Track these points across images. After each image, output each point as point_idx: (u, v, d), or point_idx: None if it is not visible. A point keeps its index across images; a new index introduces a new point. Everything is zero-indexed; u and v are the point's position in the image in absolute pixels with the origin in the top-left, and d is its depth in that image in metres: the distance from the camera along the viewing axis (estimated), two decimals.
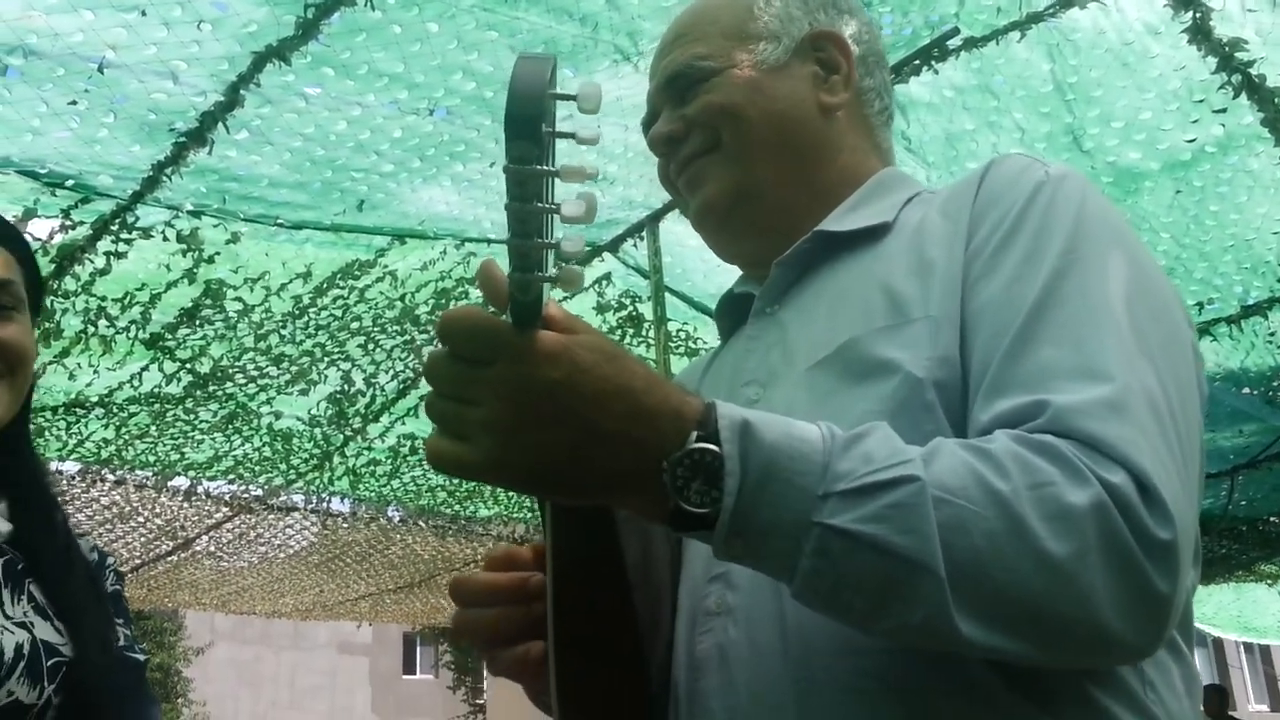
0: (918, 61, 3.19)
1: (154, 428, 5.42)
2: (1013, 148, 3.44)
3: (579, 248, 0.70)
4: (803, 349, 1.04)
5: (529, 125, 0.66)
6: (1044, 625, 0.78)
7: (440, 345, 0.78)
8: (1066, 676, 0.85)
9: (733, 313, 1.22)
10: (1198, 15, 2.86)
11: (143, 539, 7.11)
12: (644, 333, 4.86)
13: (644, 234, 4.13)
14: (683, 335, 4.85)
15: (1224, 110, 3.14)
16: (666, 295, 4.36)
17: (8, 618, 1.41)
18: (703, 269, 4.46)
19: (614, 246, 4.30)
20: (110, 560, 1.67)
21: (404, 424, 5.57)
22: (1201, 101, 3.15)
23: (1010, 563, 0.77)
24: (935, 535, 0.77)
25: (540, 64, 0.67)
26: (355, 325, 4.62)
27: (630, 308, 4.77)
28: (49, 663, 1.40)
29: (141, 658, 1.59)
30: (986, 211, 0.98)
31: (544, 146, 0.67)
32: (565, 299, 4.22)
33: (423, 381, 5.20)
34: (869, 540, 0.77)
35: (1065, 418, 0.82)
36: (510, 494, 6.55)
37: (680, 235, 4.17)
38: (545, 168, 0.67)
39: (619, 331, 4.89)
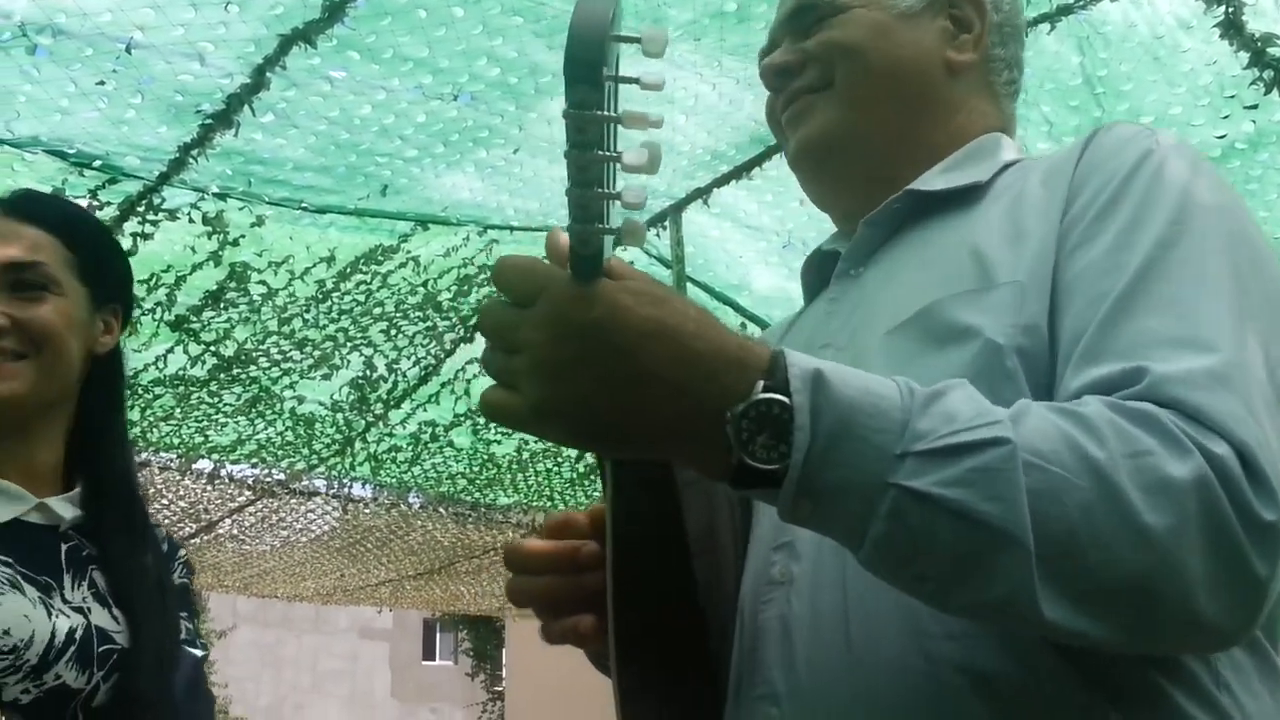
0: None
1: (178, 410, 5.45)
2: (1040, 141, 3.41)
3: (641, 199, 0.67)
4: (884, 312, 0.98)
5: (589, 68, 0.62)
6: (1133, 605, 0.73)
7: (495, 291, 0.76)
8: (1136, 667, 0.80)
9: (820, 271, 1.16)
10: (1230, 10, 2.82)
11: (166, 521, 7.16)
12: None
13: (667, 224, 4.12)
14: None
15: (1255, 106, 3.09)
16: (689, 286, 4.36)
17: (66, 602, 1.43)
18: (725, 260, 4.45)
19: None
20: (182, 552, 1.69)
21: (425, 411, 5.59)
22: (1233, 97, 3.11)
23: (1105, 536, 0.71)
24: (1025, 504, 0.71)
25: (602, 3, 0.64)
26: (378, 311, 4.64)
27: None
28: (100, 649, 1.42)
29: (200, 653, 1.60)
30: (1088, 179, 0.93)
31: (604, 91, 0.63)
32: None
33: (444, 369, 5.22)
34: (951, 505, 0.71)
35: (1165, 386, 0.77)
36: (529, 482, 6.57)
37: (703, 225, 4.16)
38: (606, 113, 0.64)
39: None
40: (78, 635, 1.40)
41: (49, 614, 1.39)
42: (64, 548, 1.48)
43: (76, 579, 1.46)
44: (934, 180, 1.06)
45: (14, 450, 1.49)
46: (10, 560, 1.41)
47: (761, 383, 0.73)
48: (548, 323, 0.73)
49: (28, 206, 1.54)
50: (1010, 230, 0.94)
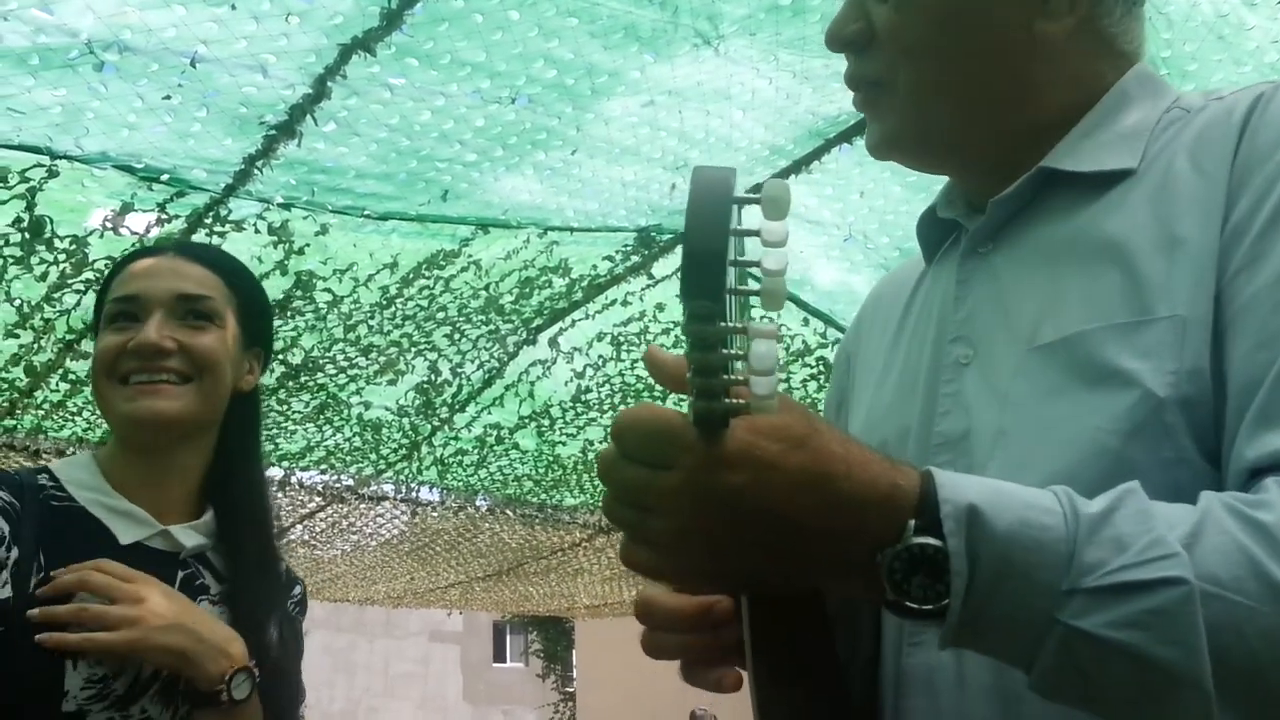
0: None
1: None
2: None
3: (770, 389, 0.65)
4: (1022, 316, 0.91)
5: (712, 278, 0.61)
6: None
7: (614, 445, 0.73)
8: None
9: (938, 233, 1.08)
10: None
11: None
12: None
13: None
14: (799, 340, 4.81)
15: None
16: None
17: None
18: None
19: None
20: (298, 590, 1.73)
21: (490, 414, 5.63)
22: None
23: None
24: (1204, 646, 0.68)
25: (722, 182, 0.62)
26: (441, 315, 4.68)
27: None
28: (183, 686, 1.44)
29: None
30: (1251, 173, 0.82)
31: (724, 299, 0.62)
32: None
33: (507, 371, 5.25)
34: (1124, 648, 0.69)
35: None
36: (596, 483, 6.58)
37: (794, 238, 4.14)
38: (729, 325, 0.63)
39: None
40: (164, 671, 1.43)
41: None
42: (180, 575, 1.53)
43: None
44: (1073, 155, 0.94)
45: (153, 473, 1.55)
46: None
47: (913, 523, 0.71)
48: (689, 492, 0.70)
49: (196, 249, 1.66)
50: (1161, 232, 0.85)
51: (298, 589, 1.72)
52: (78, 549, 1.44)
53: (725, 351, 0.64)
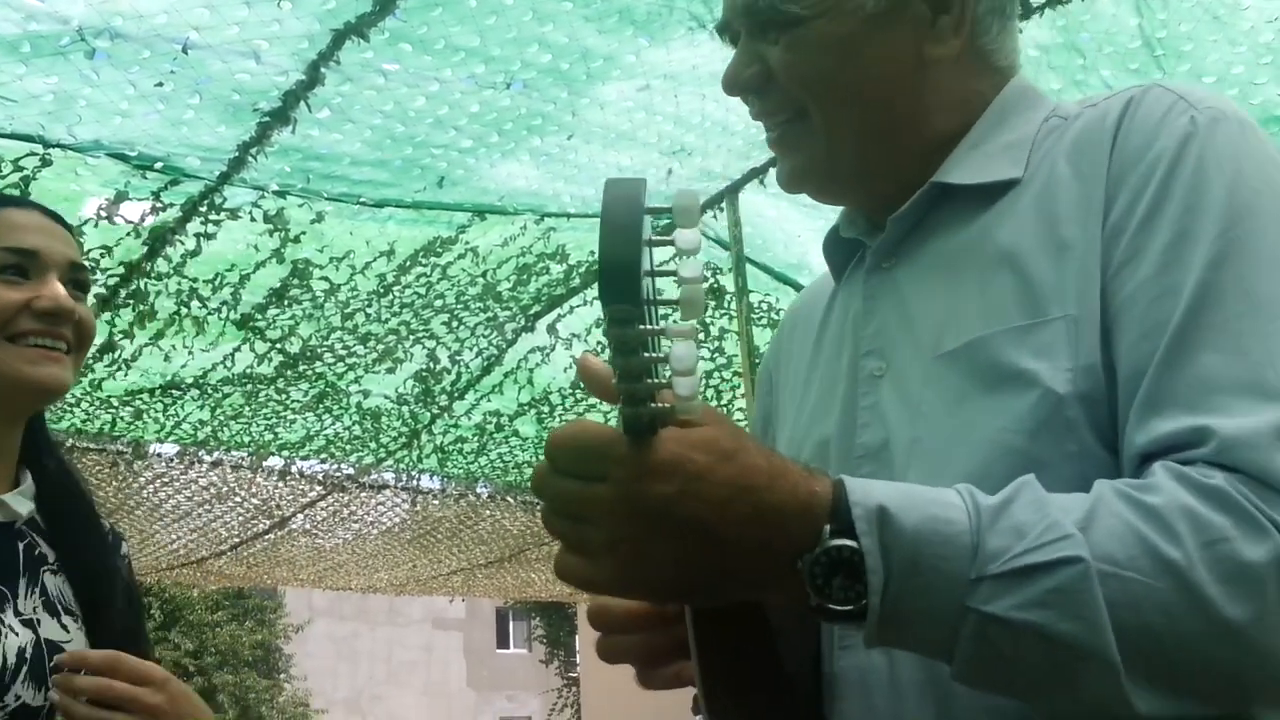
0: None
1: (248, 408, 5.54)
2: None
3: (692, 390, 0.67)
4: (925, 327, 0.95)
5: (627, 282, 0.62)
6: (1225, 690, 0.75)
7: (548, 461, 0.74)
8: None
9: (843, 253, 1.11)
10: None
11: (240, 518, 7.28)
12: (726, 305, 4.84)
13: (723, 205, 4.10)
14: (765, 306, 4.81)
15: None
16: (748, 266, 4.33)
17: (18, 614, 1.40)
18: (783, 239, 4.42)
19: None
20: (125, 547, 1.65)
21: (489, 401, 5.63)
22: None
23: (1189, 636, 0.72)
24: (1106, 620, 0.72)
25: (631, 192, 0.64)
26: (439, 303, 4.67)
27: (711, 280, 4.75)
28: (52, 663, 1.39)
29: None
30: (1125, 173, 0.86)
31: (645, 303, 0.64)
32: None
33: (506, 358, 5.25)
34: (1031, 628, 0.72)
35: (1233, 450, 0.75)
36: None
37: (760, 206, 4.14)
38: (650, 327, 0.65)
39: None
40: (28, 654, 1.38)
41: (0, 634, 1.37)
42: (20, 546, 1.46)
43: (30, 585, 1.44)
44: (961, 168, 0.98)
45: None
46: None
47: (828, 527, 0.74)
48: (622, 502, 0.72)
49: (59, 216, 1.57)
50: (1048, 236, 0.89)
51: (124, 546, 1.65)
52: None
53: (647, 355, 0.66)
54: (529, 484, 5.84)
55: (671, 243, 0.65)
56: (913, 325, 0.97)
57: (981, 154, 0.97)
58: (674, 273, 0.65)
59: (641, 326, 0.64)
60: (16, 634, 1.39)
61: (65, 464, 1.58)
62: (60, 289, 1.45)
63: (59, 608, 1.45)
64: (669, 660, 0.92)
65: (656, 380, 0.68)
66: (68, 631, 1.44)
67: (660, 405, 0.69)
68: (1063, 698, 0.75)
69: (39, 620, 1.42)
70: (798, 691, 0.92)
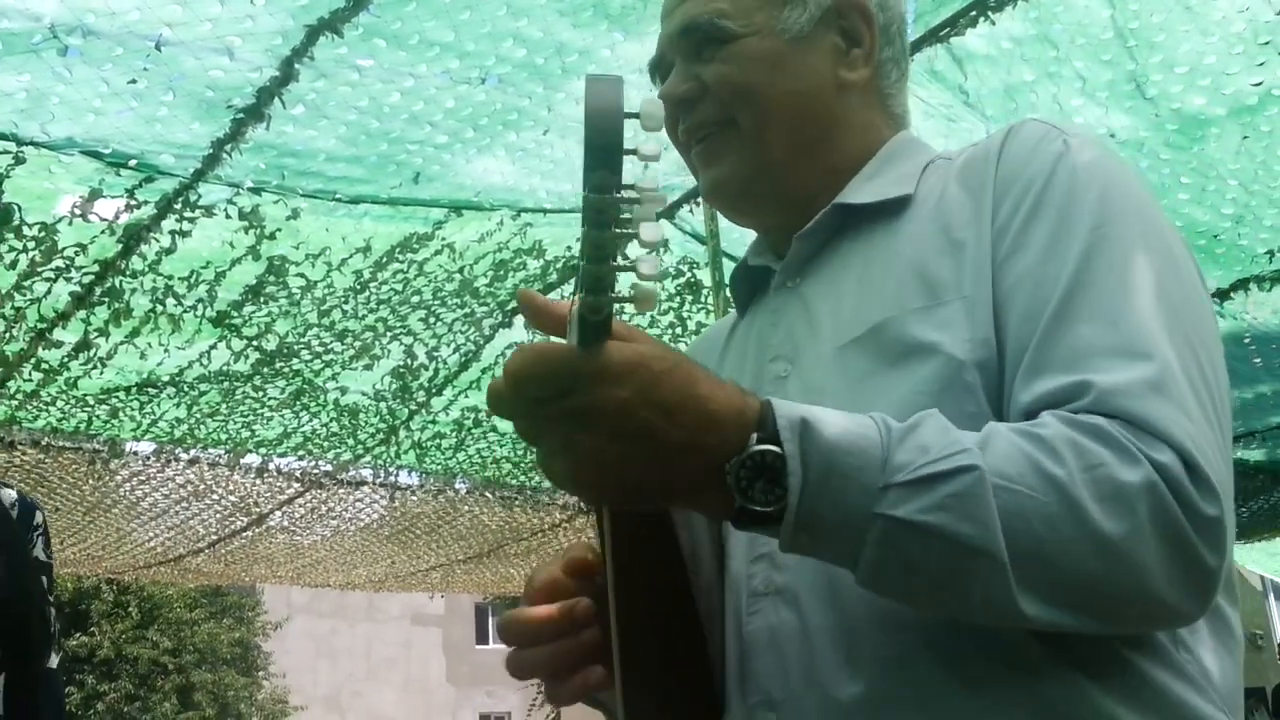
0: (974, 13, 3.13)
1: (224, 406, 5.51)
2: (1074, 98, 3.37)
3: (656, 270, 0.71)
4: (829, 325, 1.05)
5: (611, 153, 0.67)
6: (1102, 601, 0.82)
7: (507, 389, 0.79)
8: (1101, 640, 0.88)
9: (749, 284, 1.21)
10: None
11: (218, 515, 7.25)
12: (702, 299, 4.85)
13: (699, 199, 4.11)
14: None
15: None
16: (724, 260, 4.34)
17: None
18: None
19: (670, 213, 4.29)
20: (39, 517, 1.61)
21: (467, 397, 5.62)
22: (1268, 43, 3.06)
23: (1069, 545, 0.80)
24: (997, 522, 0.79)
25: (612, 86, 0.68)
26: (416, 299, 4.66)
27: (688, 274, 4.76)
28: None
29: (54, 665, 1.51)
30: (1009, 185, 0.98)
31: (621, 172, 0.68)
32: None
33: (484, 354, 5.24)
34: (932, 529, 0.79)
35: (1110, 398, 0.84)
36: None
37: None
38: (625, 195, 0.68)
39: (678, 298, 4.88)
40: None
41: None
42: None
43: None
44: (860, 193, 1.10)
45: None
46: None
47: (755, 434, 0.81)
48: (585, 411, 0.77)
49: None
50: (943, 241, 1.00)
51: (39, 517, 1.61)
52: None
53: (616, 231, 0.69)
54: (507, 479, 5.85)
55: (634, 152, 0.70)
56: (817, 327, 1.06)
57: (876, 183, 1.10)
58: (634, 151, 0.70)
59: (617, 193, 0.68)
60: None
61: None
62: None
63: None
64: (575, 670, 0.96)
65: (624, 263, 0.71)
66: None
67: (620, 294, 0.73)
68: (958, 601, 0.83)
69: None
70: (707, 642, 0.97)
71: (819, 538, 0.82)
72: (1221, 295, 4.33)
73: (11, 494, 1.56)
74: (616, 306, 0.75)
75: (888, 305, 0.99)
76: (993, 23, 3.12)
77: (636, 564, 0.92)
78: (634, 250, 0.72)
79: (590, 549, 1.01)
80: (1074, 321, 0.89)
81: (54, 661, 1.52)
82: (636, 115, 0.70)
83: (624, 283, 0.74)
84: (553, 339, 0.85)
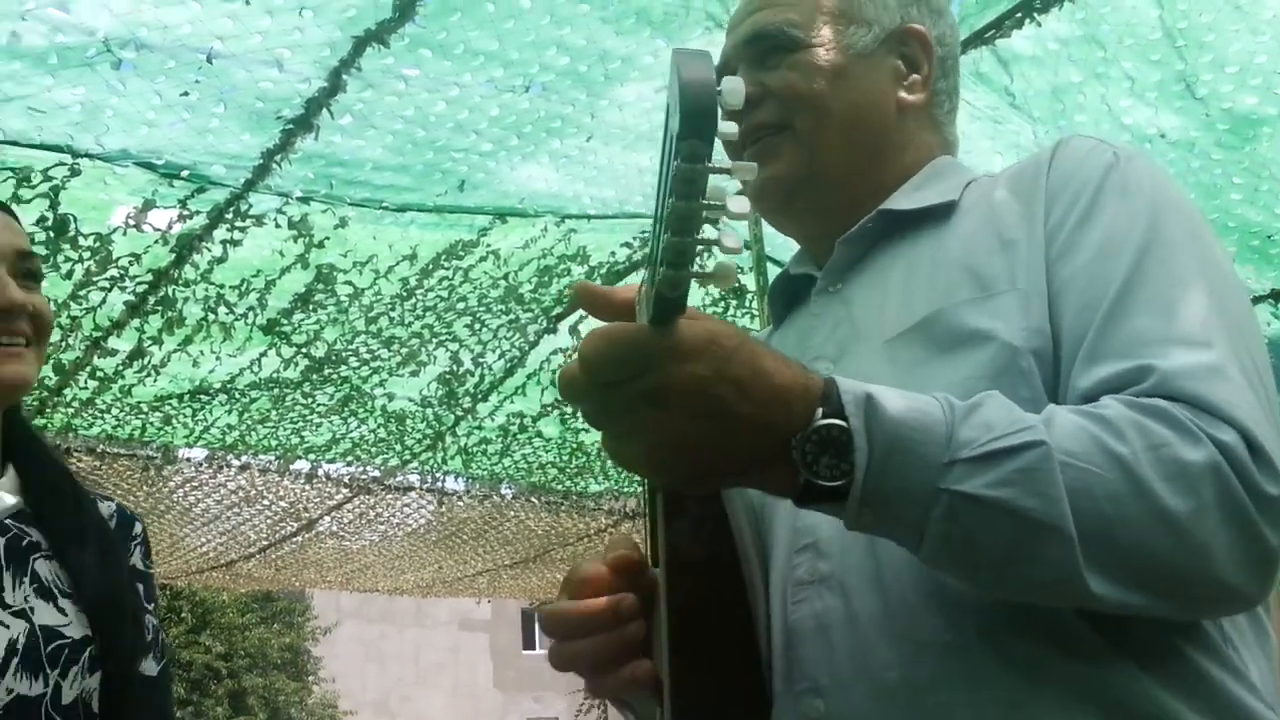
0: (1020, 14, 3.11)
1: (274, 412, 5.58)
2: (1122, 99, 3.33)
3: (739, 245, 0.70)
4: (874, 324, 1.06)
5: (704, 123, 0.66)
6: (1167, 579, 0.82)
7: (582, 374, 0.78)
8: (1154, 630, 0.88)
9: (787, 295, 1.23)
10: None
11: (268, 521, 7.34)
12: (747, 304, 4.84)
13: None
14: None
15: None
16: (768, 265, 4.34)
17: (6, 606, 1.37)
18: None
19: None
20: (138, 527, 1.61)
21: (512, 403, 5.65)
22: None
23: (1135, 522, 0.80)
24: (1064, 497, 0.80)
25: (703, 58, 0.67)
26: (461, 305, 4.70)
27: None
28: (49, 649, 1.37)
29: (155, 670, 1.53)
30: (1061, 190, 1.01)
31: (713, 143, 0.66)
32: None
33: (529, 360, 5.27)
34: (998, 504, 0.80)
35: (1172, 381, 0.85)
36: (619, 469, 6.60)
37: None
38: (716, 165, 0.67)
39: (722, 303, 4.88)
40: (20, 644, 1.35)
41: None
42: (2, 542, 1.43)
43: (17, 576, 1.41)
44: (905, 200, 1.13)
45: None
46: None
47: (820, 409, 0.81)
48: (659, 390, 0.77)
49: (2, 204, 1.54)
50: (994, 241, 1.02)
51: (137, 527, 1.61)
52: None
53: (704, 203, 0.67)
54: (553, 484, 5.87)
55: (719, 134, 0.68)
56: (862, 326, 1.08)
57: (921, 193, 1.13)
58: (726, 169, 0.68)
59: (708, 163, 0.66)
60: (7, 627, 1.36)
61: (40, 453, 1.54)
62: (7, 283, 1.41)
63: (55, 592, 1.42)
64: (618, 665, 0.96)
65: (708, 237, 0.69)
66: (65, 615, 1.41)
67: (700, 270, 0.71)
68: (1023, 578, 0.83)
69: (32, 608, 1.39)
70: (757, 629, 0.97)
71: (883, 513, 0.82)
72: (1276, 296, 4.27)
73: (110, 506, 1.58)
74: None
75: (937, 298, 1.01)
76: (1039, 24, 3.09)
77: (691, 552, 0.91)
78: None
79: (634, 545, 1.01)
80: (1131, 314, 0.91)
81: (154, 669, 1.53)
82: (719, 92, 0.69)
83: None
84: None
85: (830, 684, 0.95)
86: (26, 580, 1.41)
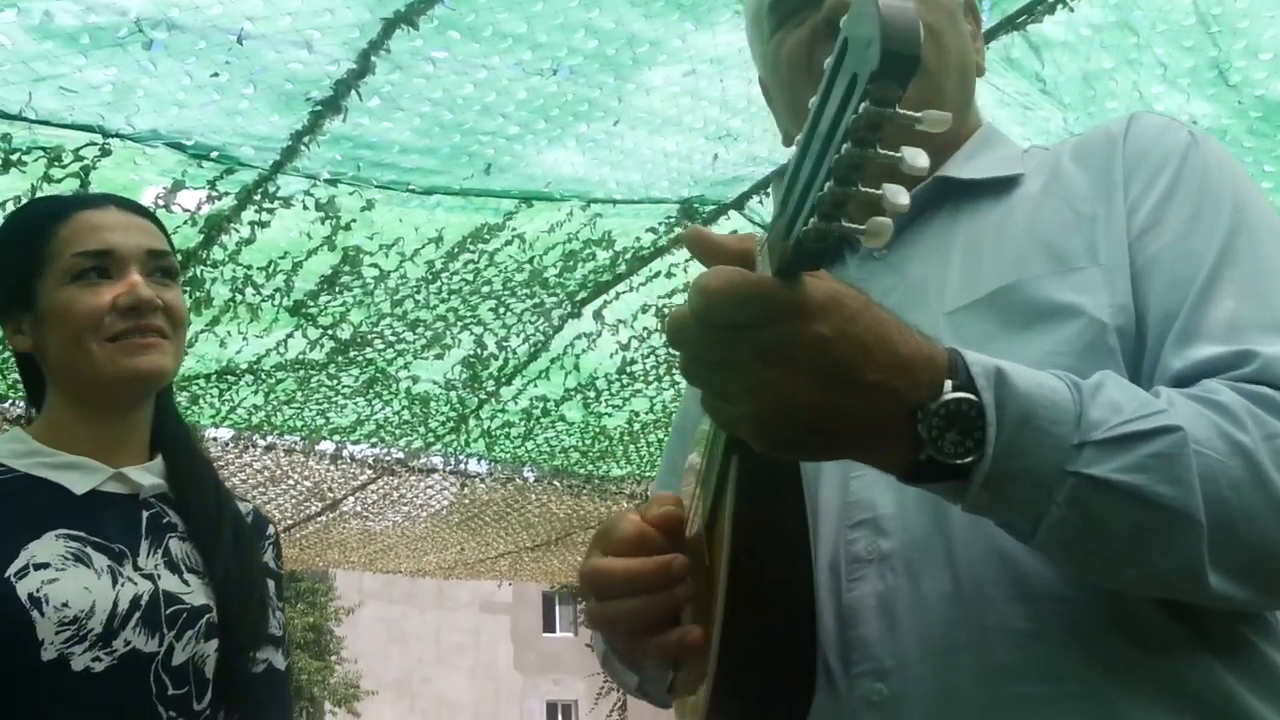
0: (1052, 0, 3.09)
1: (300, 393, 5.61)
2: (1154, 85, 3.31)
3: (904, 204, 0.64)
4: (933, 295, 1.01)
5: (905, 64, 0.60)
6: (1277, 571, 0.81)
7: (694, 313, 0.72)
8: (1225, 620, 0.87)
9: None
10: None
11: (293, 501, 7.39)
12: None
13: (770, 190, 4.10)
14: None
15: None
16: None
17: (137, 569, 1.48)
18: None
19: (740, 204, 4.28)
20: (271, 529, 1.73)
21: (536, 386, 5.66)
22: None
23: (1255, 512, 0.79)
24: (1197, 483, 0.77)
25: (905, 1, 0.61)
26: (486, 289, 4.70)
27: None
28: (168, 611, 1.47)
29: (281, 665, 1.64)
30: (1138, 165, 0.98)
31: (906, 89, 0.61)
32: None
33: (553, 344, 5.28)
34: (1131, 490, 0.77)
35: (1276, 368, 0.84)
36: (641, 453, 6.61)
37: None
38: (908, 112, 0.62)
39: None
40: (143, 601, 1.46)
41: (114, 582, 1.45)
42: (145, 515, 1.55)
43: (153, 546, 1.52)
44: (964, 168, 1.08)
45: (116, 431, 1.57)
46: (82, 533, 1.46)
47: (949, 382, 0.76)
48: (780, 344, 0.71)
49: (130, 203, 1.65)
50: (1068, 214, 0.99)
51: (270, 529, 1.73)
52: (31, 512, 1.46)
53: (880, 152, 0.62)
54: (575, 468, 5.86)
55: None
56: (917, 297, 1.02)
57: (977, 162, 1.10)
58: (917, 117, 0.63)
59: (897, 108, 0.61)
60: (135, 584, 1.47)
61: (187, 443, 1.66)
62: (138, 281, 1.51)
63: (183, 567, 1.53)
64: (658, 630, 0.89)
65: (871, 191, 0.64)
66: (189, 586, 1.51)
67: (850, 225, 0.65)
68: (1141, 567, 0.79)
69: (159, 575, 1.50)
70: (816, 604, 0.91)
71: (1002, 495, 0.78)
72: None
73: (247, 506, 1.70)
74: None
75: (1009, 271, 0.97)
76: (1071, 9, 3.07)
77: (764, 517, 0.85)
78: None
79: (677, 500, 0.95)
80: (1224, 296, 0.89)
81: (282, 663, 1.64)
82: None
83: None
84: None
85: (895, 667, 0.91)
86: (160, 552, 1.53)
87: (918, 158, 0.64)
